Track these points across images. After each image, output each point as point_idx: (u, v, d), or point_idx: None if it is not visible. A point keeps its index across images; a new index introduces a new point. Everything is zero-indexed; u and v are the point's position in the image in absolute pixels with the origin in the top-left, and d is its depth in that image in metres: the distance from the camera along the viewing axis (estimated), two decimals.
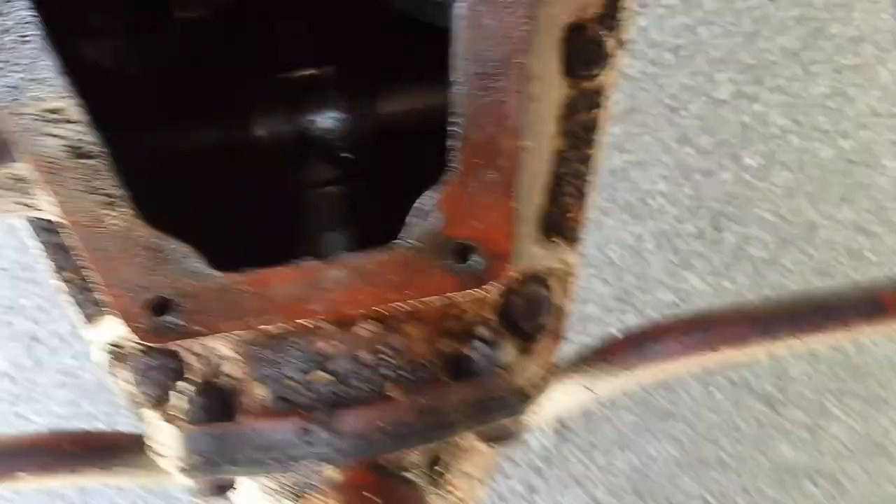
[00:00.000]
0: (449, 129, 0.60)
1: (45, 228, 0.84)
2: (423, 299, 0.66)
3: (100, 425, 1.92)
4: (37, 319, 1.94)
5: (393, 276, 0.63)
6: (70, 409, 1.93)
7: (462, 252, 0.63)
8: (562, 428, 2.04)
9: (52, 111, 0.55)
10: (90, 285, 0.82)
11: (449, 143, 0.60)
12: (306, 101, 0.67)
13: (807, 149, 2.07)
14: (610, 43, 0.81)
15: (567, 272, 0.84)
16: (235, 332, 0.64)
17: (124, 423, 1.91)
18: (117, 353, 0.81)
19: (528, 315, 0.81)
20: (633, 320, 2.01)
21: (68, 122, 0.56)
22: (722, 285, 2.07)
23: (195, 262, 0.61)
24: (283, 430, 0.69)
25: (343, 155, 0.69)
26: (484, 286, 0.66)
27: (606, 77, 0.81)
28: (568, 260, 0.84)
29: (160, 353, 0.79)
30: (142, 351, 0.79)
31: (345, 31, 0.76)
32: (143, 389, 0.79)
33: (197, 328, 0.63)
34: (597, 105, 0.82)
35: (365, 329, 0.70)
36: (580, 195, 0.85)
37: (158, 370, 0.78)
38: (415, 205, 0.61)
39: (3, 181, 0.70)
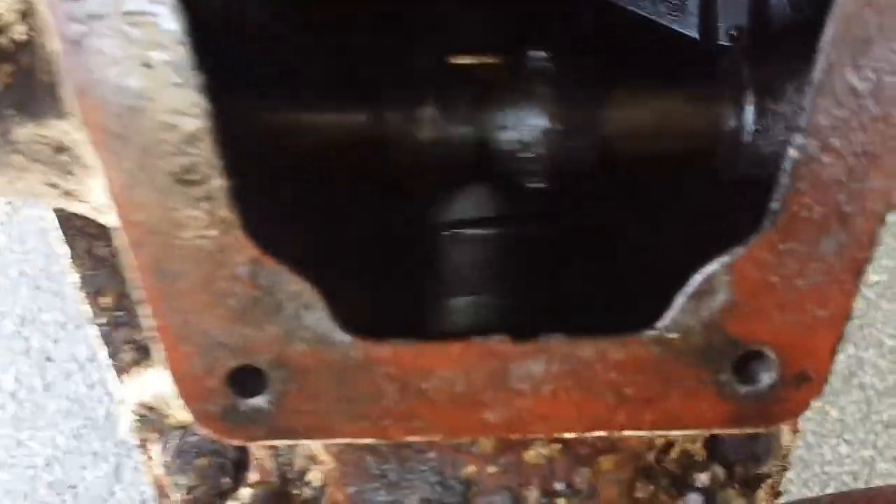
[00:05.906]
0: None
1: (80, 230, 0.60)
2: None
3: (104, 465, 1.67)
4: (56, 338, 1.70)
5: (630, 388, 0.38)
6: (74, 444, 1.68)
7: (747, 364, 0.39)
8: None
9: (138, 13, 0.32)
10: (137, 321, 0.59)
11: (773, 192, 0.36)
12: (496, 99, 0.43)
13: None
14: None
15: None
16: (359, 439, 0.39)
17: (131, 467, 1.66)
18: (153, 423, 0.57)
19: (749, 457, 0.56)
20: None
21: (161, 44, 0.32)
22: (828, 413, 1.80)
23: (319, 318, 0.37)
24: None
25: (532, 186, 0.45)
26: (769, 426, 0.41)
27: None
28: None
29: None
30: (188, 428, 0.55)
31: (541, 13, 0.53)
32: (184, 481, 0.54)
33: (296, 427, 0.38)
34: None
35: (540, 454, 0.46)
36: None
37: (211, 458, 0.54)
38: (692, 279, 0.37)
39: (35, 147, 0.46)
